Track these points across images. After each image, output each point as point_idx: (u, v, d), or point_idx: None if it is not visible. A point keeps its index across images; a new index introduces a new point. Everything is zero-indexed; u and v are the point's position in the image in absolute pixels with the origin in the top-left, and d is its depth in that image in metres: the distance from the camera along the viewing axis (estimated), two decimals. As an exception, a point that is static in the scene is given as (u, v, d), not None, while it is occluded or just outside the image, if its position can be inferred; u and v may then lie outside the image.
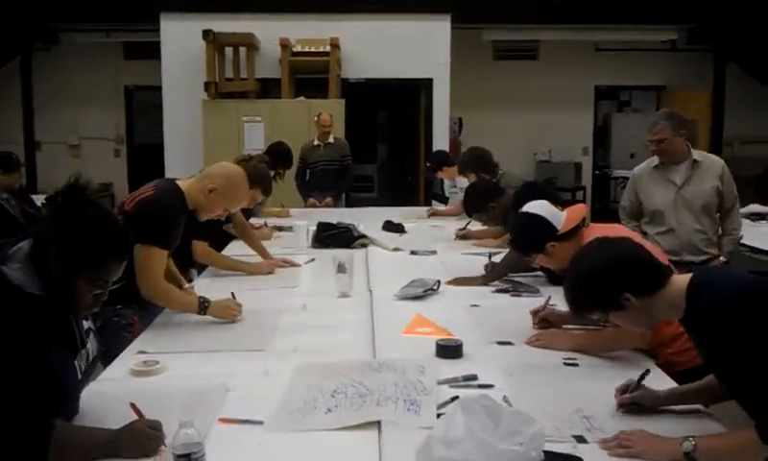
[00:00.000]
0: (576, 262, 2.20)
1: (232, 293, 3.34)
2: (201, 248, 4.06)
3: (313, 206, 7.44)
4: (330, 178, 7.72)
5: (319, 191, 7.63)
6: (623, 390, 2.18)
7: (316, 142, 7.79)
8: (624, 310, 2.04)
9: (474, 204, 4.67)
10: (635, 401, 2.16)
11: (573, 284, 2.18)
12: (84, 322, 2.14)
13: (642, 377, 2.19)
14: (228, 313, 3.17)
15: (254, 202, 4.73)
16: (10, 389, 1.72)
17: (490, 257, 4.11)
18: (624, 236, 2.29)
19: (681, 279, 2.03)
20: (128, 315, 3.12)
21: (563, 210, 3.07)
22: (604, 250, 2.17)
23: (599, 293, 2.08)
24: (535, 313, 3.06)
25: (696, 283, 1.98)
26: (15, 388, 1.73)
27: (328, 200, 7.55)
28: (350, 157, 7.91)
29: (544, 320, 3.02)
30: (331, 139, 7.82)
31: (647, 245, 2.56)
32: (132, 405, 1.94)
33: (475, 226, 5.23)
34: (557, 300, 3.23)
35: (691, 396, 2.20)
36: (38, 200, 6.93)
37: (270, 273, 4.21)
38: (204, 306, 3.12)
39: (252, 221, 5.57)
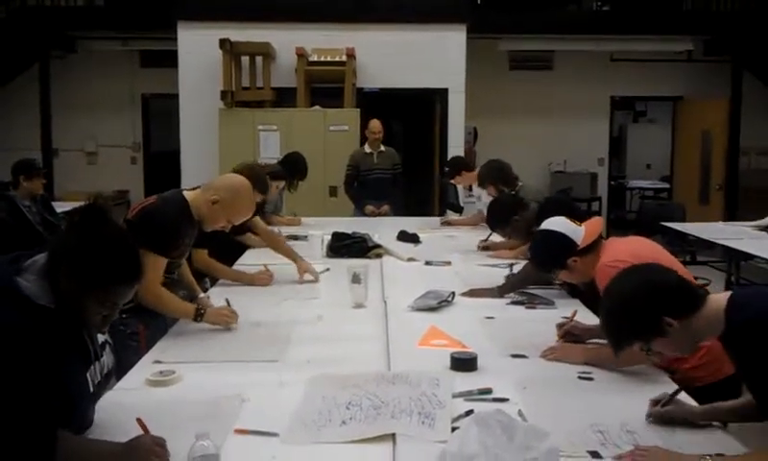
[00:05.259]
0: (609, 296, 2.14)
1: (227, 299, 3.36)
2: (199, 255, 4.00)
3: (372, 214, 7.37)
4: (385, 186, 7.63)
5: (374, 199, 7.53)
6: (656, 401, 2.16)
7: (368, 150, 7.71)
8: (666, 336, 2.00)
9: (498, 218, 4.65)
10: (668, 415, 2.13)
11: (610, 319, 2.12)
12: (100, 335, 2.16)
13: (675, 394, 2.18)
14: (224, 320, 3.19)
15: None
16: (16, 400, 1.73)
17: (511, 269, 4.10)
18: (650, 262, 2.24)
19: (718, 298, 2.00)
20: (133, 324, 3.13)
21: (580, 225, 3.07)
22: (635, 278, 2.11)
23: (639, 322, 2.03)
24: (560, 326, 3.01)
25: (735, 300, 1.96)
26: (22, 399, 1.73)
27: (385, 207, 7.48)
28: (401, 166, 7.83)
29: (569, 333, 2.96)
30: (382, 148, 7.73)
31: (675, 265, 2.55)
32: (139, 420, 1.94)
33: (496, 237, 5.22)
34: (569, 311, 3.23)
35: (730, 413, 2.15)
36: (56, 207, 7.01)
37: (267, 285, 4.13)
38: (200, 313, 3.15)
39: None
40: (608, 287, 2.18)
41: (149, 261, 2.95)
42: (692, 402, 2.28)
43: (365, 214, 7.40)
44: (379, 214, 7.36)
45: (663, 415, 2.13)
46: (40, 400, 1.77)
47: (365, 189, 7.65)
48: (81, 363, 2.04)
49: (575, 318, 3.05)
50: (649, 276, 2.11)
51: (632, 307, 2.04)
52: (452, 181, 7.08)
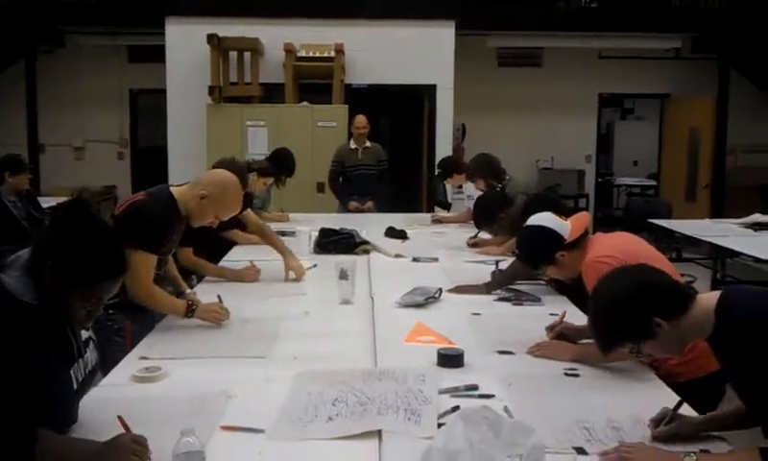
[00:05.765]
0: (597, 297, 2.11)
1: (218, 296, 3.36)
2: (185, 253, 3.98)
3: (356, 209, 7.32)
4: (369, 182, 7.55)
5: (360, 195, 7.48)
6: (658, 421, 2.08)
7: (353, 145, 7.64)
8: (656, 337, 1.97)
9: (484, 216, 4.65)
10: (672, 432, 2.05)
11: (600, 320, 2.09)
12: (84, 332, 2.14)
13: (677, 407, 2.10)
14: (215, 317, 3.19)
15: None
16: None
17: (497, 265, 4.11)
18: (639, 263, 2.23)
19: (707, 298, 1.97)
20: (120, 320, 3.12)
21: (566, 220, 3.08)
22: (624, 278, 2.08)
23: (629, 323, 2.00)
24: (551, 328, 2.98)
25: (725, 300, 1.93)
26: (1, 398, 1.72)
27: (369, 204, 7.43)
28: (387, 163, 7.75)
29: (560, 335, 2.94)
30: (367, 143, 7.67)
31: (664, 265, 2.54)
32: (120, 418, 1.92)
33: (484, 234, 5.22)
34: (557, 309, 3.24)
35: (728, 421, 2.10)
36: (42, 202, 6.98)
37: (254, 281, 4.12)
38: (191, 309, 3.15)
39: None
40: (596, 288, 2.15)
41: (140, 260, 2.96)
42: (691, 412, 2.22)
43: (348, 210, 7.35)
44: (362, 210, 7.32)
45: (667, 433, 2.05)
46: (21, 398, 1.76)
47: (349, 185, 7.60)
48: (64, 360, 2.02)
49: (564, 319, 3.03)
50: (638, 276, 2.08)
51: (621, 309, 2.01)
52: (444, 182, 7.05)
